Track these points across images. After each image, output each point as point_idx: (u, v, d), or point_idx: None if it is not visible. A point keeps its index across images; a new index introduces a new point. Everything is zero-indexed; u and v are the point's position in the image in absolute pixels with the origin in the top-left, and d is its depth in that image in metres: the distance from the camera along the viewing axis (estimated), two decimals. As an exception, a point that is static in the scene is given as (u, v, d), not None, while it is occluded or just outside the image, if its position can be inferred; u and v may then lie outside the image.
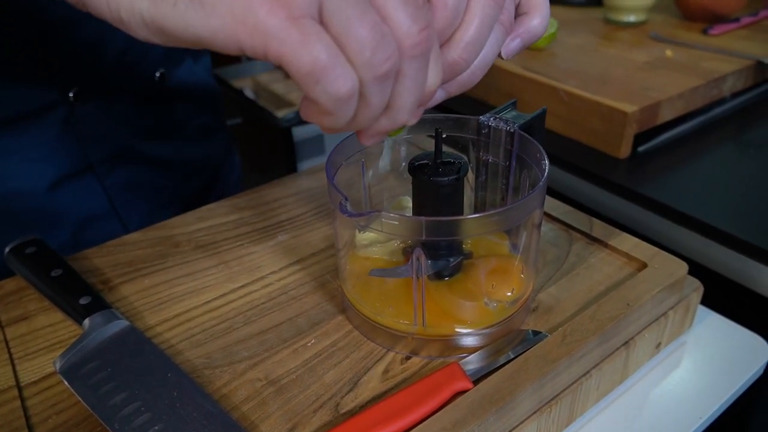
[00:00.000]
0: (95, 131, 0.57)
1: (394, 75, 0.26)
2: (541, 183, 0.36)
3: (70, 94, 0.54)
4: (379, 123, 0.28)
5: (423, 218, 0.33)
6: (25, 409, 0.36)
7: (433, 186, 0.37)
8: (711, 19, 0.90)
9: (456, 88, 0.33)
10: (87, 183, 0.58)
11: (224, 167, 0.73)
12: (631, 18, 0.91)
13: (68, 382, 0.36)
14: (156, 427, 0.33)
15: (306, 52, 0.24)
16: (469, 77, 0.33)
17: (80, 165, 0.57)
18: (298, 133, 0.97)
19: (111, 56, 0.56)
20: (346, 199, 0.34)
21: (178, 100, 0.64)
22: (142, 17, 0.25)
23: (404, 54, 0.26)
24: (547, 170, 0.37)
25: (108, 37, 0.55)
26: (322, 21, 0.25)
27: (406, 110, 0.28)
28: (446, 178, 0.37)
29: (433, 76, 0.28)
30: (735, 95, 0.77)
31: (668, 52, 0.80)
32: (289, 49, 0.24)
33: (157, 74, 0.60)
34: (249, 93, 1.23)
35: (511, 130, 0.41)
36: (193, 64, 0.65)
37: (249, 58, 1.41)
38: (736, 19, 0.89)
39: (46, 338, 0.42)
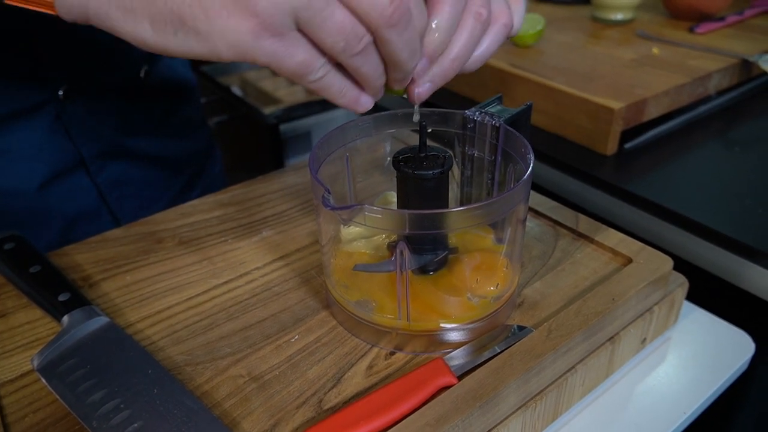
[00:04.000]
0: (85, 128, 0.56)
1: (371, 47, 0.31)
2: (525, 176, 0.35)
3: (60, 93, 0.53)
4: (391, 77, 0.33)
5: (406, 211, 0.32)
6: (0, 407, 0.36)
7: (418, 180, 0.37)
8: (697, 18, 0.90)
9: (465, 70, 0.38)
10: (78, 180, 0.58)
11: (208, 161, 0.73)
12: (619, 16, 0.92)
13: (45, 380, 0.36)
14: (135, 425, 0.33)
15: (289, 59, 0.29)
16: (472, 65, 0.37)
17: (71, 162, 0.57)
18: (285, 129, 0.96)
19: (99, 55, 0.56)
20: (329, 192, 0.33)
21: (160, 95, 0.64)
22: (144, 41, 0.30)
23: (383, 26, 0.29)
24: (532, 164, 0.37)
25: (96, 35, 0.55)
26: (299, 28, 0.29)
27: (404, 61, 0.32)
28: (430, 172, 0.37)
29: (419, 23, 0.32)
30: (720, 93, 0.78)
31: (655, 50, 0.81)
32: (274, 59, 0.29)
33: (142, 72, 0.60)
34: (236, 90, 1.22)
35: (497, 125, 0.41)
36: (171, 60, 0.65)
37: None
38: (722, 18, 0.89)
39: (24, 336, 0.41)
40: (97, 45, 0.55)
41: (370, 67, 0.32)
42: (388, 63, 0.32)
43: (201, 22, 0.28)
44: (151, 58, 0.62)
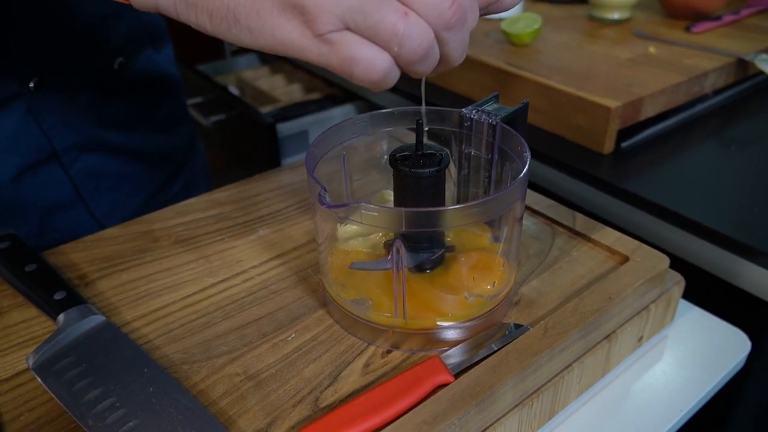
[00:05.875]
0: (58, 121, 0.56)
1: (434, 47, 0.30)
2: (522, 174, 0.35)
3: (31, 84, 0.53)
4: (435, 70, 0.33)
5: (402, 209, 0.32)
6: (-4, 406, 0.35)
7: (414, 178, 0.37)
8: (694, 17, 0.91)
9: (495, 9, 0.36)
10: (52, 172, 0.57)
11: (190, 156, 0.73)
12: (615, 15, 0.92)
13: (41, 379, 0.36)
14: (131, 423, 0.33)
15: (333, 56, 0.29)
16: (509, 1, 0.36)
17: (44, 154, 0.56)
18: (282, 129, 0.96)
19: (69, 46, 0.56)
20: (325, 190, 0.33)
21: (139, 89, 0.63)
22: (204, 29, 0.32)
23: (443, 28, 0.29)
24: (528, 162, 0.37)
25: (65, 26, 0.54)
26: (352, 29, 0.29)
27: (456, 59, 0.32)
28: (427, 170, 0.37)
29: (472, 21, 0.32)
30: (717, 92, 0.78)
31: (651, 49, 0.81)
32: (320, 57, 0.30)
33: (116, 63, 0.59)
34: (233, 89, 1.22)
35: (494, 123, 0.41)
36: (154, 53, 0.65)
37: (233, 54, 1.40)
38: (719, 17, 0.89)
39: (20, 334, 0.41)
40: (69, 36, 0.55)
41: (426, 68, 0.31)
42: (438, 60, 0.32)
43: (253, 21, 0.30)
44: (127, 50, 0.61)
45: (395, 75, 0.31)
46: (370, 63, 0.29)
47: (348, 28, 0.29)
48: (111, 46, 0.59)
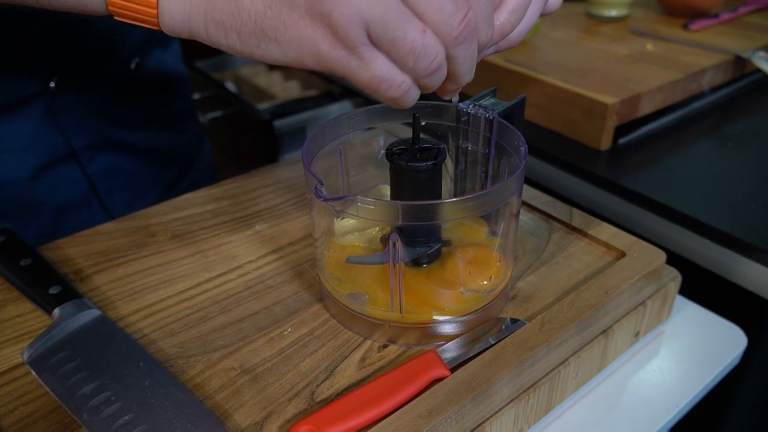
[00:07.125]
0: (76, 120, 0.57)
1: (444, 64, 0.31)
2: (519, 168, 0.35)
3: (51, 85, 0.53)
4: (445, 87, 0.34)
5: (399, 202, 0.32)
6: (-9, 400, 0.35)
7: (411, 172, 0.37)
8: (691, 15, 0.91)
9: (505, 45, 0.37)
10: (69, 171, 0.58)
11: (198, 153, 0.73)
12: (613, 12, 0.92)
13: (36, 373, 0.36)
14: (126, 417, 0.33)
15: (363, 72, 0.30)
16: (516, 36, 0.36)
17: (62, 153, 0.57)
18: (280, 125, 0.96)
19: (88, 46, 0.56)
20: (322, 184, 0.33)
21: (151, 88, 0.64)
22: (235, 49, 0.32)
23: (451, 44, 0.30)
24: (525, 156, 0.37)
25: (85, 27, 0.54)
26: (372, 42, 0.30)
27: (463, 75, 0.33)
28: (424, 164, 0.36)
29: (487, 33, 0.32)
30: (714, 89, 0.78)
31: (649, 46, 0.81)
32: (349, 71, 0.30)
33: (133, 64, 0.60)
34: (230, 86, 1.22)
35: (491, 117, 0.40)
36: (163, 52, 0.65)
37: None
38: (716, 15, 0.89)
39: (15, 329, 0.40)
40: (88, 37, 0.55)
41: (434, 83, 0.32)
42: (447, 75, 0.32)
43: (281, 33, 0.30)
44: (142, 50, 0.62)
45: (414, 93, 0.32)
46: (393, 81, 0.30)
47: (370, 40, 0.29)
48: (128, 47, 0.60)
